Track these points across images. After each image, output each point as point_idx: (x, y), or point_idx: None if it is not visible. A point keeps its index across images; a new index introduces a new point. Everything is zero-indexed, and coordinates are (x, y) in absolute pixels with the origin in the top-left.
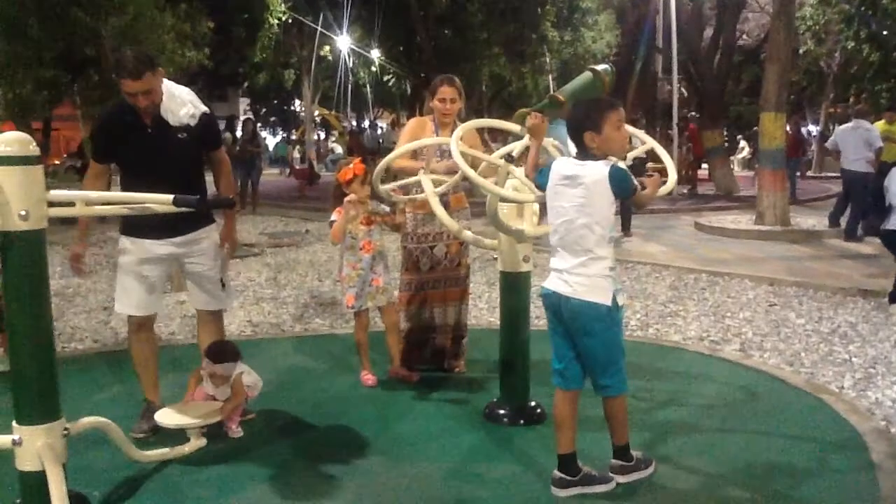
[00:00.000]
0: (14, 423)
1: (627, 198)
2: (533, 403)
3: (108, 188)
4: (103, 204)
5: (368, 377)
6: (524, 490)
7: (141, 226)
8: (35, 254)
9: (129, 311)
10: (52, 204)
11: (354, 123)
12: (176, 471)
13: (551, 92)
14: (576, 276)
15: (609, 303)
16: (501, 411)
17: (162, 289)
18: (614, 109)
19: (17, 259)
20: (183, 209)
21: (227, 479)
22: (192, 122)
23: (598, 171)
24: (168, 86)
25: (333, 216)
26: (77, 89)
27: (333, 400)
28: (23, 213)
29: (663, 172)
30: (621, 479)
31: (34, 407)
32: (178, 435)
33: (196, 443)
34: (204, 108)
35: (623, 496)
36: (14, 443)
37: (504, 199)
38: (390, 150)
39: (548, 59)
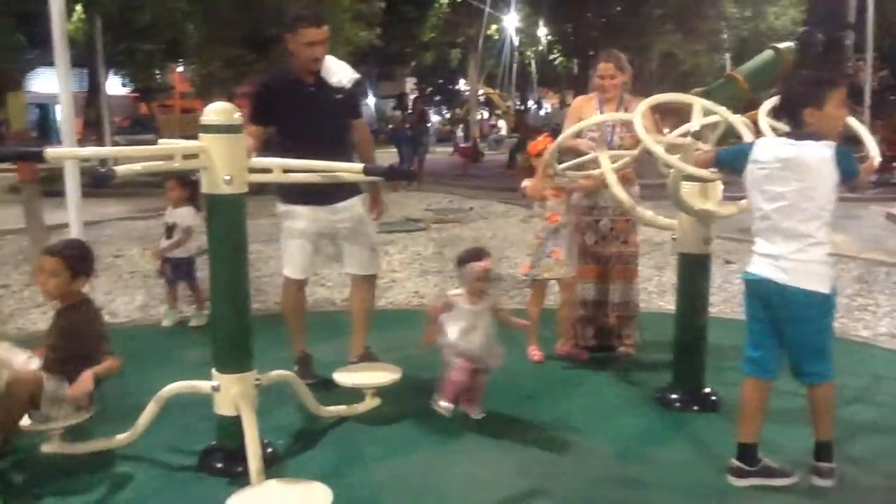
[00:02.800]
0: (213, 372)
1: (853, 180)
2: (707, 390)
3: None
4: (298, 171)
5: (536, 352)
6: (695, 476)
7: (300, 194)
8: (237, 216)
9: (292, 275)
10: (251, 170)
11: (518, 103)
12: (352, 428)
13: (728, 71)
14: (793, 263)
15: (827, 290)
16: (673, 396)
17: (318, 253)
18: (838, 87)
19: (220, 221)
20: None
21: (399, 440)
22: (348, 85)
23: (820, 152)
24: None
25: (525, 182)
26: (260, 68)
27: (499, 373)
28: (227, 177)
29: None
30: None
31: (231, 358)
32: (355, 393)
33: (370, 402)
34: (357, 75)
35: (806, 493)
36: (213, 389)
37: (690, 178)
38: (557, 130)
39: (725, 36)
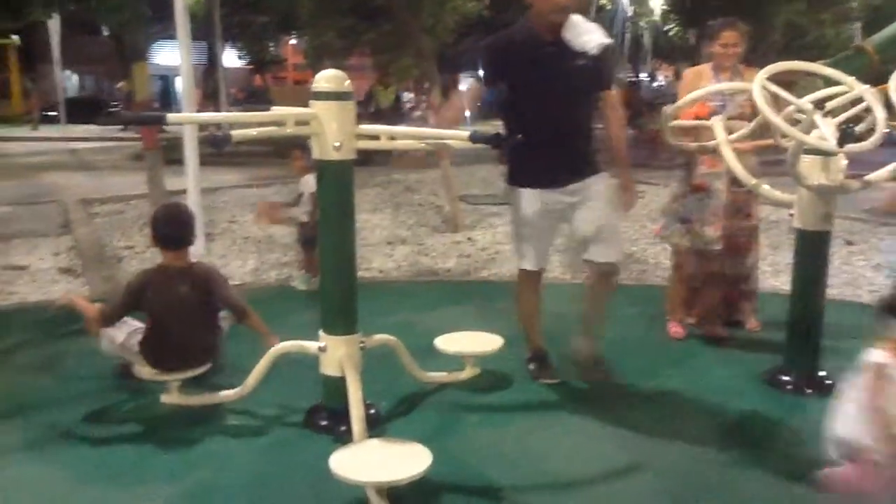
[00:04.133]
0: (320, 333)
1: None
2: (822, 373)
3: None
4: (404, 138)
5: (677, 329)
6: (801, 461)
7: (531, 174)
8: (345, 182)
9: (526, 266)
10: (360, 136)
11: (630, 76)
12: (453, 394)
13: (856, 42)
14: None
15: None
16: (785, 378)
17: (552, 241)
18: None
19: (329, 186)
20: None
21: (498, 408)
22: (593, 51)
23: None
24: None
25: None
26: (370, 37)
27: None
28: (336, 144)
29: None
30: None
31: (337, 320)
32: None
33: (472, 371)
34: (608, 41)
35: None
36: (320, 350)
37: (811, 150)
38: (671, 103)
39: (855, 5)
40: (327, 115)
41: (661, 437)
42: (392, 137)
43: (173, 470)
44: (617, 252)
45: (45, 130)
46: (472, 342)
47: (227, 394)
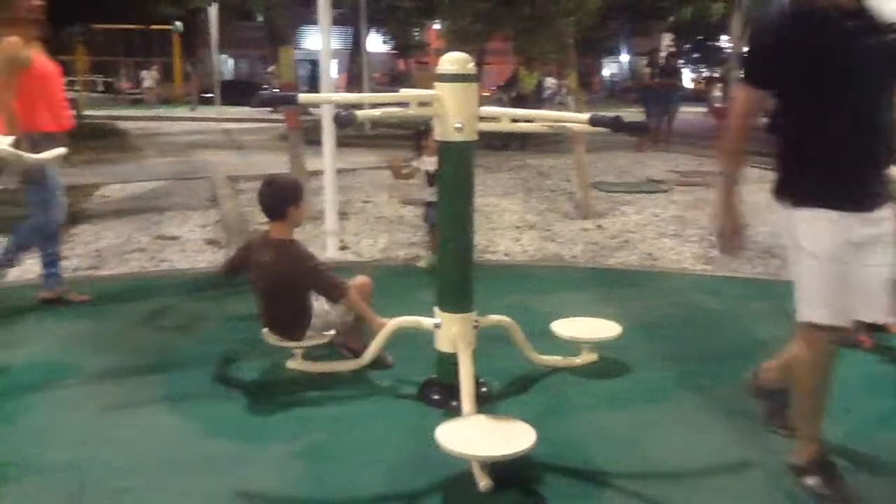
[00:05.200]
0: (436, 310)
1: None
2: None
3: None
4: (526, 121)
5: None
6: None
7: (838, 192)
8: (466, 163)
9: (823, 319)
10: (481, 119)
11: None
12: (565, 379)
13: None
14: None
15: None
16: None
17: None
18: None
19: (450, 167)
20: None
21: (610, 396)
22: None
23: None
24: None
25: None
26: (508, 22)
27: (735, 343)
28: (458, 125)
29: None
30: None
31: (453, 298)
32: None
33: (587, 357)
34: None
35: None
36: (435, 326)
37: None
38: None
39: None
40: (450, 97)
41: (777, 436)
42: (514, 120)
43: (291, 430)
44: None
45: (202, 111)
46: (589, 328)
47: (347, 363)
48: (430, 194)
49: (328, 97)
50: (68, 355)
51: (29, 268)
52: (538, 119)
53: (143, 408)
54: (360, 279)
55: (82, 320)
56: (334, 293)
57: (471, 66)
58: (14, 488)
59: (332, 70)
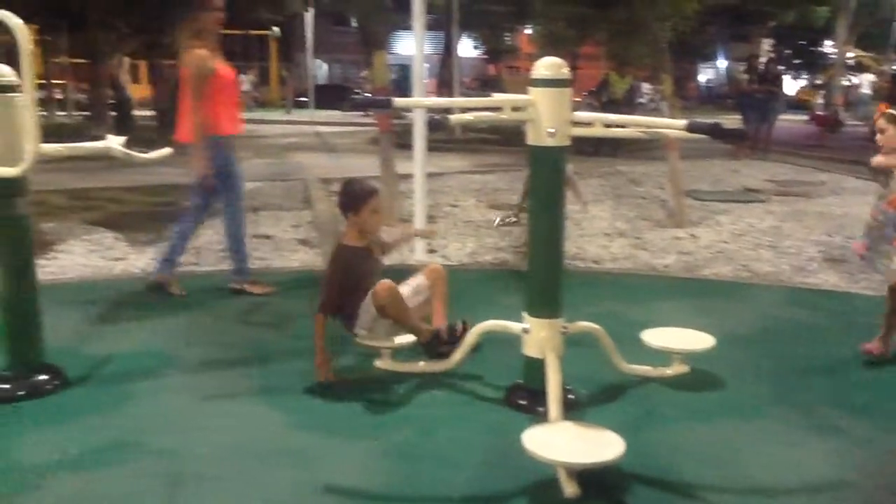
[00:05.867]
0: (524, 315)
1: None
2: None
3: None
4: (619, 126)
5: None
6: None
7: None
8: (557, 169)
9: None
10: (574, 124)
11: None
12: (655, 389)
13: None
14: None
15: None
16: None
17: None
18: None
19: (542, 172)
20: None
21: (702, 408)
22: None
23: None
24: None
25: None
26: (602, 27)
27: (826, 362)
28: (551, 130)
29: None
30: None
31: (542, 303)
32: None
33: (678, 368)
34: None
35: None
36: (523, 331)
37: None
38: None
39: None
40: (543, 102)
41: (877, 455)
42: (607, 125)
43: (378, 428)
44: None
45: (296, 114)
46: (681, 339)
47: (434, 364)
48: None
49: (423, 101)
50: (168, 347)
51: (133, 262)
52: (633, 125)
53: (236, 399)
54: (428, 271)
55: (182, 314)
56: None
57: (565, 71)
58: (118, 470)
59: (415, 75)
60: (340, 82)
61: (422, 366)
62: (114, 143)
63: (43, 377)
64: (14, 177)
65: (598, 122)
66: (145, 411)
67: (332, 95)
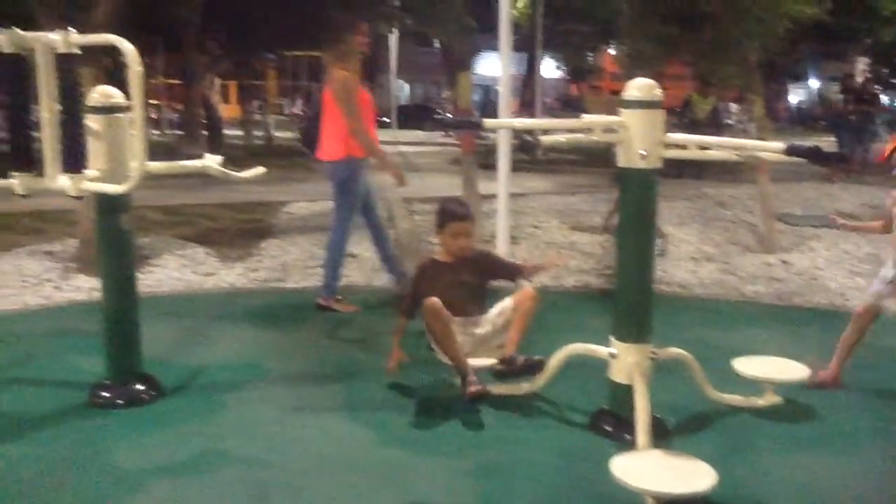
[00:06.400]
0: (611, 339)
1: None
2: None
3: None
4: (713, 148)
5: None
6: None
7: None
8: (649, 191)
9: None
10: (667, 146)
11: None
12: (745, 419)
13: None
14: None
15: None
16: None
17: None
18: None
19: (632, 195)
20: None
21: (795, 440)
22: None
23: None
24: None
25: None
26: (690, 47)
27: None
28: (643, 152)
29: None
30: None
31: (630, 328)
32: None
33: (771, 398)
34: None
35: None
36: (610, 355)
37: None
38: None
39: None
40: (635, 124)
41: None
42: (701, 147)
43: (461, 447)
44: None
45: (379, 134)
46: (775, 368)
47: (519, 386)
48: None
49: (512, 122)
50: (257, 360)
51: (223, 277)
52: (727, 147)
53: (323, 413)
54: (518, 294)
55: (270, 329)
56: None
57: (657, 93)
58: (209, 477)
59: (501, 95)
60: (422, 102)
61: (506, 387)
62: (211, 162)
63: (140, 386)
64: (120, 194)
65: (692, 144)
66: (235, 422)
67: (413, 116)
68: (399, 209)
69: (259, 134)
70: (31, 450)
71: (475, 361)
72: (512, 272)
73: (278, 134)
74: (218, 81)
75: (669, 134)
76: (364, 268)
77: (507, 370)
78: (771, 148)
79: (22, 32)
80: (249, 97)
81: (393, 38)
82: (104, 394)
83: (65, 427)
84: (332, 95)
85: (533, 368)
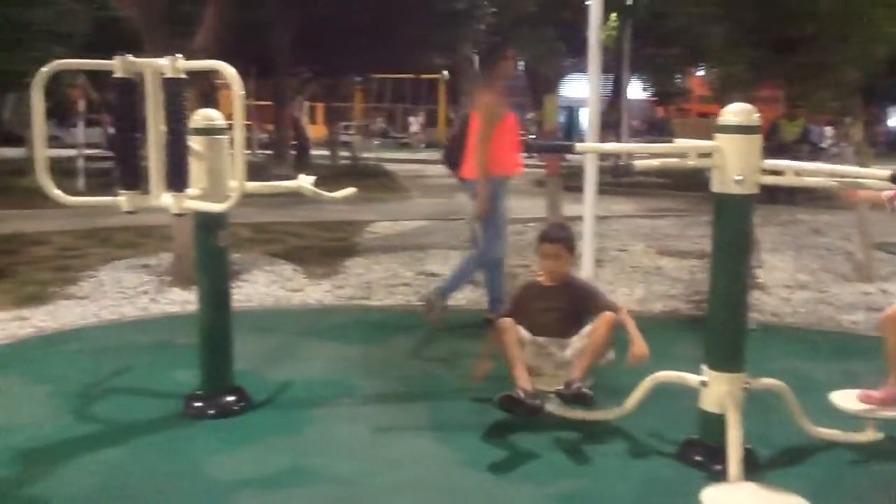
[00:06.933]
0: (703, 367)
1: None
2: None
3: None
4: (812, 175)
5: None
6: None
7: None
8: (744, 217)
9: None
10: (763, 172)
11: None
12: (842, 454)
13: None
14: None
15: None
16: None
17: None
18: None
19: (726, 220)
20: None
21: (891, 478)
22: None
23: None
24: None
25: None
26: (782, 70)
27: None
28: (738, 177)
29: None
30: None
31: (723, 357)
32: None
33: (871, 434)
34: None
35: None
36: (701, 384)
37: None
38: None
39: None
40: (731, 148)
41: None
42: (799, 173)
43: (546, 473)
44: None
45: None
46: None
47: (605, 412)
48: None
49: (604, 147)
50: (344, 377)
51: (309, 294)
52: (827, 174)
53: (409, 433)
54: (601, 318)
55: (356, 346)
56: None
57: (755, 117)
58: (296, 492)
59: (590, 118)
60: None
61: (593, 413)
62: (305, 182)
63: (231, 398)
64: (219, 212)
65: (790, 171)
66: (322, 437)
67: None
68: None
69: (345, 154)
70: (129, 457)
71: (544, 386)
72: (598, 305)
73: (363, 154)
74: (306, 103)
75: (766, 160)
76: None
77: (558, 394)
78: (875, 175)
79: (133, 58)
80: (336, 118)
81: (477, 61)
82: (197, 404)
83: (160, 436)
84: (478, 117)
85: (579, 399)
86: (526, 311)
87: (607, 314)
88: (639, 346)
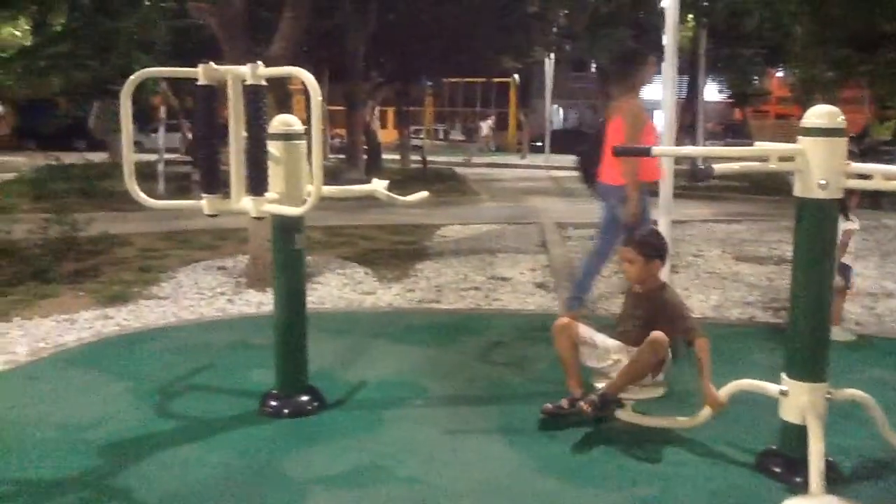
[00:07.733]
0: (783, 376)
1: None
2: None
3: None
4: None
5: None
6: None
7: None
8: (828, 222)
9: None
10: (849, 176)
11: None
12: None
13: None
14: None
15: None
16: None
17: None
18: None
19: (809, 225)
20: None
21: None
22: None
23: None
24: None
25: None
26: (867, 69)
27: None
28: (822, 182)
29: None
30: None
31: (805, 366)
32: None
33: None
34: None
35: None
36: (781, 393)
37: None
38: None
39: None
40: (815, 152)
41: None
42: (888, 177)
43: (618, 480)
44: None
45: (532, 159)
46: None
47: (680, 420)
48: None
49: (681, 150)
50: (415, 379)
51: (380, 296)
52: None
53: (479, 436)
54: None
55: (427, 348)
56: None
57: (840, 120)
58: (369, 492)
59: (665, 121)
60: (576, 126)
61: (665, 420)
62: (379, 186)
63: (306, 398)
64: (297, 215)
65: (878, 174)
66: (394, 438)
67: (567, 140)
68: (552, 235)
69: (415, 158)
70: (206, 453)
71: (641, 393)
72: (675, 327)
73: (433, 158)
74: (377, 108)
75: (852, 163)
76: (517, 291)
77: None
78: None
79: (216, 66)
80: (407, 123)
81: (549, 63)
82: (273, 403)
83: (237, 433)
84: (620, 123)
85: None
86: (621, 316)
87: (656, 333)
88: (710, 396)
